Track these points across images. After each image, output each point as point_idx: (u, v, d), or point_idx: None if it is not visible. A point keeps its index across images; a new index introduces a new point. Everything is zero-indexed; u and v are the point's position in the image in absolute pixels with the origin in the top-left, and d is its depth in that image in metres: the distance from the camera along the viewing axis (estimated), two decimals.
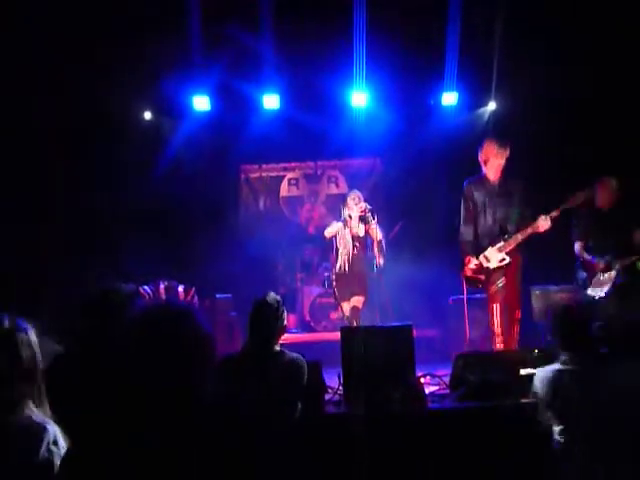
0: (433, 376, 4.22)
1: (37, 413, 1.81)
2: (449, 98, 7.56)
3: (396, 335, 3.88)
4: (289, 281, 7.78)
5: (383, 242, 5.56)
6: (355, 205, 5.58)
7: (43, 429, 1.75)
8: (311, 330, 7.26)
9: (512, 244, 5.14)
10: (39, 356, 1.93)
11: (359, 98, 7.50)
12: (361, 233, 5.70)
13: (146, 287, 6.30)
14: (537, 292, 6.64)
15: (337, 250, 5.75)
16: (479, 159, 5.53)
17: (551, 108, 7.04)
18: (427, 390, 3.94)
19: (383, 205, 7.90)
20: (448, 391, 3.90)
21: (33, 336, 1.93)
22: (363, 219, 5.58)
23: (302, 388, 3.16)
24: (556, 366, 2.91)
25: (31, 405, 1.82)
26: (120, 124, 7.51)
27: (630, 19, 6.27)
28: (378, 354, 3.77)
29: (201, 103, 7.58)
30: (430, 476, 3.37)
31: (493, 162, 5.37)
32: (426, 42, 7.28)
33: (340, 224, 5.72)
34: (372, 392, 3.63)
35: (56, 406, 2.14)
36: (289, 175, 8.73)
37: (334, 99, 7.66)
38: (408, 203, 7.73)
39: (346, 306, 5.69)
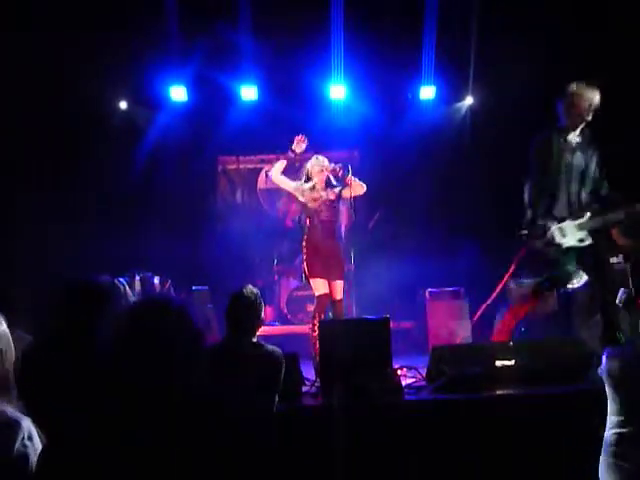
0: (410, 368, 4.25)
1: (10, 409, 1.77)
2: (427, 92, 7.61)
3: (373, 327, 3.90)
4: (266, 274, 7.76)
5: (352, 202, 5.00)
6: (319, 172, 5.00)
7: (17, 424, 1.71)
8: (288, 322, 7.26)
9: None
10: (10, 349, 1.89)
11: (337, 91, 7.50)
12: (331, 196, 5.03)
13: (121, 279, 6.20)
14: (512, 285, 6.72)
15: (303, 219, 5.13)
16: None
17: (528, 103, 7.10)
18: (404, 382, 3.96)
19: (360, 197, 7.90)
20: (424, 383, 3.93)
21: (3, 327, 1.88)
22: (336, 179, 4.97)
23: (279, 380, 3.16)
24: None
25: (4, 400, 1.78)
26: (95, 113, 7.41)
27: (610, 14, 6.34)
28: (355, 346, 3.78)
29: (178, 94, 7.51)
30: (407, 467, 3.40)
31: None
32: (404, 36, 7.30)
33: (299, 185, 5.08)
34: (349, 384, 3.64)
35: (26, 399, 2.10)
36: (267, 167, 8.68)
37: (312, 91, 7.65)
38: (386, 195, 7.76)
39: (320, 282, 4.97)
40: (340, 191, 5.02)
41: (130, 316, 1.56)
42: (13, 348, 1.93)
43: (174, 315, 1.53)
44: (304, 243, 5.05)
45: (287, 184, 5.18)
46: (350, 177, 4.90)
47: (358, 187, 4.99)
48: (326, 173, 5.01)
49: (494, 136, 7.46)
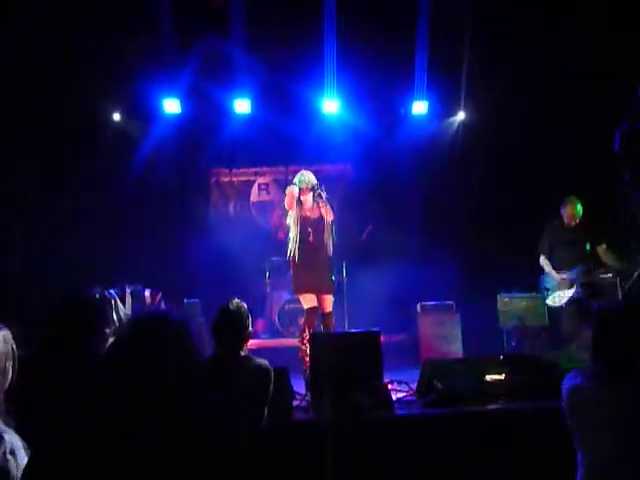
0: (400, 382, 4.24)
1: None
2: (419, 107, 7.65)
3: (364, 341, 3.89)
4: (258, 286, 7.74)
5: (334, 225, 5.09)
6: (306, 187, 4.99)
7: (0, 438, 1.70)
8: (279, 335, 7.23)
9: None
10: (1, 358, 1.87)
11: (331, 105, 7.54)
12: (315, 215, 5.07)
13: (112, 291, 6.20)
14: (504, 299, 6.74)
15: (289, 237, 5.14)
16: None
17: (520, 119, 7.17)
18: (394, 396, 3.95)
19: (353, 211, 7.94)
20: (415, 397, 3.92)
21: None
22: (315, 197, 4.99)
23: (268, 394, 3.15)
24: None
25: None
26: (89, 125, 7.42)
27: (602, 28, 6.41)
28: (346, 360, 3.77)
29: (171, 106, 7.52)
30: None
31: None
32: (397, 51, 7.37)
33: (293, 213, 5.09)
34: (339, 398, 3.62)
35: (20, 412, 2.09)
36: (260, 180, 8.70)
37: (306, 105, 7.69)
38: (378, 209, 7.79)
39: (308, 297, 5.04)
40: (319, 218, 5.06)
41: (130, 331, 1.56)
42: (10, 362, 1.91)
43: (173, 330, 1.53)
44: (290, 258, 5.07)
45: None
46: (323, 202, 4.95)
47: (328, 214, 5.02)
48: (309, 186, 5.01)
49: (486, 151, 7.52)
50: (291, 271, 5.14)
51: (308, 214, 5.06)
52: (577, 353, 4.30)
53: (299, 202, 5.02)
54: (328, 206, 5.00)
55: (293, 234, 5.05)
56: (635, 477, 2.11)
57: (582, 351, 4.14)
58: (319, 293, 5.03)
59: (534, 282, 6.47)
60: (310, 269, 4.99)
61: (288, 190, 5.09)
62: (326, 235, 5.02)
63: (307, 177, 5.08)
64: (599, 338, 2.29)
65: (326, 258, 5.09)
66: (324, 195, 4.95)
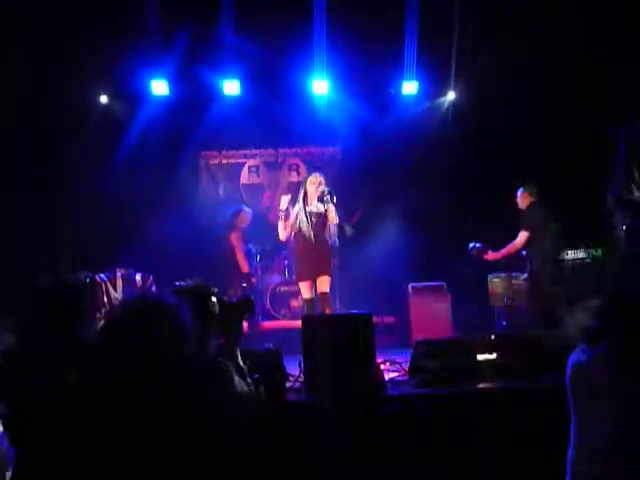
0: (393, 362, 4.26)
1: None
2: (409, 87, 7.62)
3: (356, 323, 3.89)
4: (249, 269, 7.72)
5: (335, 227, 5.35)
6: (315, 188, 5.28)
7: None
8: (271, 318, 7.25)
9: None
10: None
11: (320, 86, 7.49)
12: (320, 210, 5.31)
13: (102, 275, 6.18)
14: (494, 279, 6.80)
15: (295, 229, 5.35)
16: None
17: (510, 99, 7.16)
18: (387, 377, 3.97)
19: (344, 193, 7.89)
20: (407, 377, 3.94)
21: None
22: (321, 199, 5.24)
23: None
24: None
25: None
26: (75, 108, 7.32)
27: (592, 6, 6.40)
28: (339, 341, 3.78)
29: (160, 87, 7.44)
30: (390, 462, 3.42)
31: None
32: (386, 31, 7.31)
33: (297, 205, 5.37)
34: (333, 379, 3.64)
35: (6, 398, 2.07)
36: (249, 162, 8.65)
37: (295, 86, 7.63)
38: (368, 191, 7.77)
39: (305, 286, 5.29)
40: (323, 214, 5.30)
41: (122, 314, 1.55)
42: None
43: (166, 314, 1.52)
44: (293, 247, 5.40)
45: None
46: (330, 206, 5.17)
47: (333, 217, 5.23)
48: (319, 190, 5.27)
49: (476, 131, 7.51)
50: (293, 259, 5.53)
51: (314, 209, 5.30)
52: (566, 332, 4.32)
53: (305, 194, 5.29)
54: (335, 211, 5.21)
55: (292, 222, 5.29)
56: (631, 463, 2.09)
57: (573, 328, 4.17)
58: (316, 276, 5.23)
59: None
60: (307, 257, 5.25)
61: (312, 183, 5.34)
62: (326, 231, 5.30)
63: (319, 177, 5.37)
64: (613, 320, 2.26)
65: (325, 245, 5.32)
66: (334, 199, 5.20)
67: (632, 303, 2.29)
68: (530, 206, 6.21)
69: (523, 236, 6.10)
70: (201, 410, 1.59)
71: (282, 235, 5.36)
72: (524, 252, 6.28)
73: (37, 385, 2.24)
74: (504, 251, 6.31)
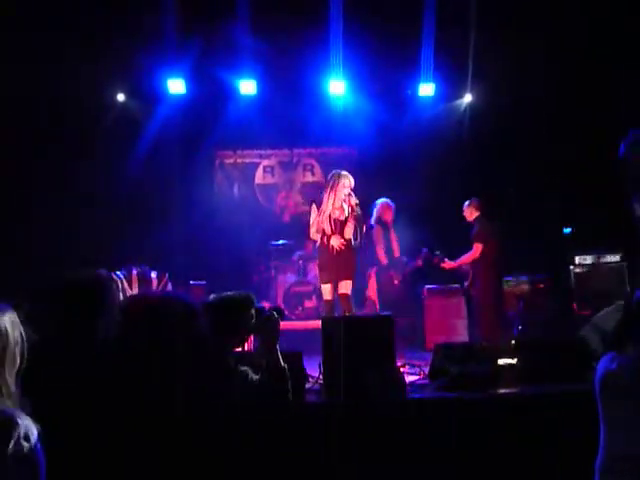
0: (413, 365, 4.24)
1: (7, 407, 1.71)
2: (426, 89, 7.60)
3: (377, 325, 3.88)
4: (263, 269, 7.73)
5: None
6: (345, 194, 5.21)
7: (13, 423, 1.65)
8: (286, 318, 7.22)
9: None
10: (11, 342, 1.81)
11: (337, 86, 7.47)
12: (342, 217, 5.27)
13: (118, 273, 6.19)
14: (511, 282, 6.76)
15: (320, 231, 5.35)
16: None
17: (526, 102, 7.12)
18: (407, 380, 3.95)
19: (358, 194, 7.87)
20: (427, 381, 3.92)
21: (4, 321, 1.80)
22: (353, 212, 5.21)
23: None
24: None
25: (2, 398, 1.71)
26: (93, 106, 7.35)
27: (609, 15, 6.35)
28: (359, 343, 3.76)
29: (176, 86, 7.45)
30: (410, 465, 3.40)
31: None
32: (403, 32, 7.30)
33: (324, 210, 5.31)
34: (353, 381, 3.62)
35: (31, 396, 2.06)
36: (264, 162, 8.65)
37: (311, 87, 7.63)
38: (383, 192, 7.73)
39: (327, 289, 5.29)
40: (346, 219, 5.25)
41: (138, 313, 1.54)
42: (18, 345, 1.87)
43: (182, 312, 1.52)
44: (318, 251, 5.40)
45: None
46: (352, 223, 5.17)
47: (347, 232, 5.21)
48: (351, 199, 5.22)
49: (492, 134, 7.48)
50: (318, 261, 5.47)
51: (337, 212, 5.25)
52: (589, 337, 4.29)
53: (334, 195, 5.21)
54: (351, 227, 5.19)
55: (317, 227, 5.29)
56: None
57: (595, 334, 4.14)
58: (338, 279, 5.25)
59: (539, 266, 6.48)
60: (331, 260, 5.26)
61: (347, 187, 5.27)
62: (347, 233, 5.22)
63: (352, 182, 5.29)
64: None
65: (347, 249, 5.28)
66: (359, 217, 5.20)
67: None
68: (476, 220, 6.34)
69: (478, 248, 6.20)
70: (202, 411, 1.59)
71: (314, 236, 5.41)
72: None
73: (59, 384, 2.24)
74: (459, 261, 6.42)
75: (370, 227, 6.34)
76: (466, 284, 6.60)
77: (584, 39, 6.68)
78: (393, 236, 6.60)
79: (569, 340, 4.11)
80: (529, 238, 6.49)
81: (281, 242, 7.54)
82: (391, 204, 6.66)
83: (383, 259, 6.48)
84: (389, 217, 6.57)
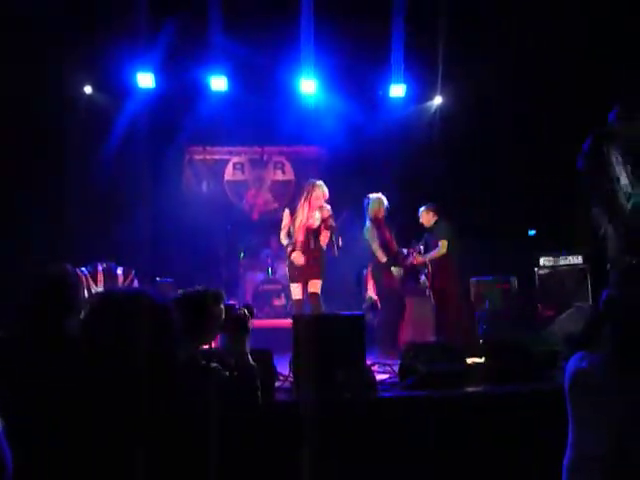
0: (383, 364, 4.27)
1: None
2: (397, 90, 7.65)
3: (348, 323, 3.89)
4: (232, 266, 7.69)
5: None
6: (320, 203, 5.35)
7: None
8: (254, 317, 7.19)
9: None
10: None
11: (308, 85, 7.47)
12: (317, 224, 5.38)
13: (83, 269, 6.07)
14: (476, 283, 6.86)
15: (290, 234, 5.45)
16: None
17: (496, 104, 7.22)
18: (377, 378, 3.97)
19: (329, 193, 7.89)
20: (397, 380, 3.95)
21: None
22: (326, 223, 5.33)
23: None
24: None
25: None
26: (58, 99, 7.17)
27: (580, 16, 6.47)
28: (329, 341, 3.77)
29: (145, 80, 7.34)
30: (380, 464, 3.42)
31: None
32: (375, 32, 7.33)
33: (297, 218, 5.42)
34: (323, 379, 3.62)
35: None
36: (234, 159, 8.60)
37: (283, 85, 7.61)
38: (353, 192, 7.76)
39: (296, 288, 5.37)
40: (319, 227, 5.34)
41: (104, 309, 1.52)
42: None
43: (149, 309, 1.50)
44: (288, 251, 5.39)
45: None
46: (327, 232, 5.28)
47: (322, 240, 5.34)
48: (323, 210, 5.35)
49: (462, 136, 7.56)
50: (287, 261, 5.47)
51: (310, 220, 5.35)
52: (551, 337, 4.39)
53: (309, 204, 5.32)
54: (327, 235, 5.31)
55: (291, 235, 5.36)
56: (630, 472, 2.08)
57: (559, 334, 4.24)
58: (307, 278, 5.32)
59: (505, 267, 6.59)
60: (302, 263, 5.31)
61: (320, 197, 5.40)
62: (321, 239, 5.34)
63: (326, 193, 5.45)
64: (616, 326, 2.24)
65: (318, 251, 5.39)
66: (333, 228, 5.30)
67: (632, 309, 2.29)
68: (436, 223, 6.43)
69: (444, 244, 6.24)
70: (173, 409, 1.57)
71: (283, 240, 5.46)
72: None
73: (30, 382, 2.20)
74: (429, 256, 6.44)
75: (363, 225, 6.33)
76: (426, 282, 6.61)
77: (555, 39, 6.74)
78: (387, 231, 6.53)
79: (533, 340, 4.18)
80: (495, 239, 6.58)
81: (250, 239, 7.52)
82: (383, 200, 6.54)
83: (381, 257, 6.35)
84: (381, 213, 6.46)
